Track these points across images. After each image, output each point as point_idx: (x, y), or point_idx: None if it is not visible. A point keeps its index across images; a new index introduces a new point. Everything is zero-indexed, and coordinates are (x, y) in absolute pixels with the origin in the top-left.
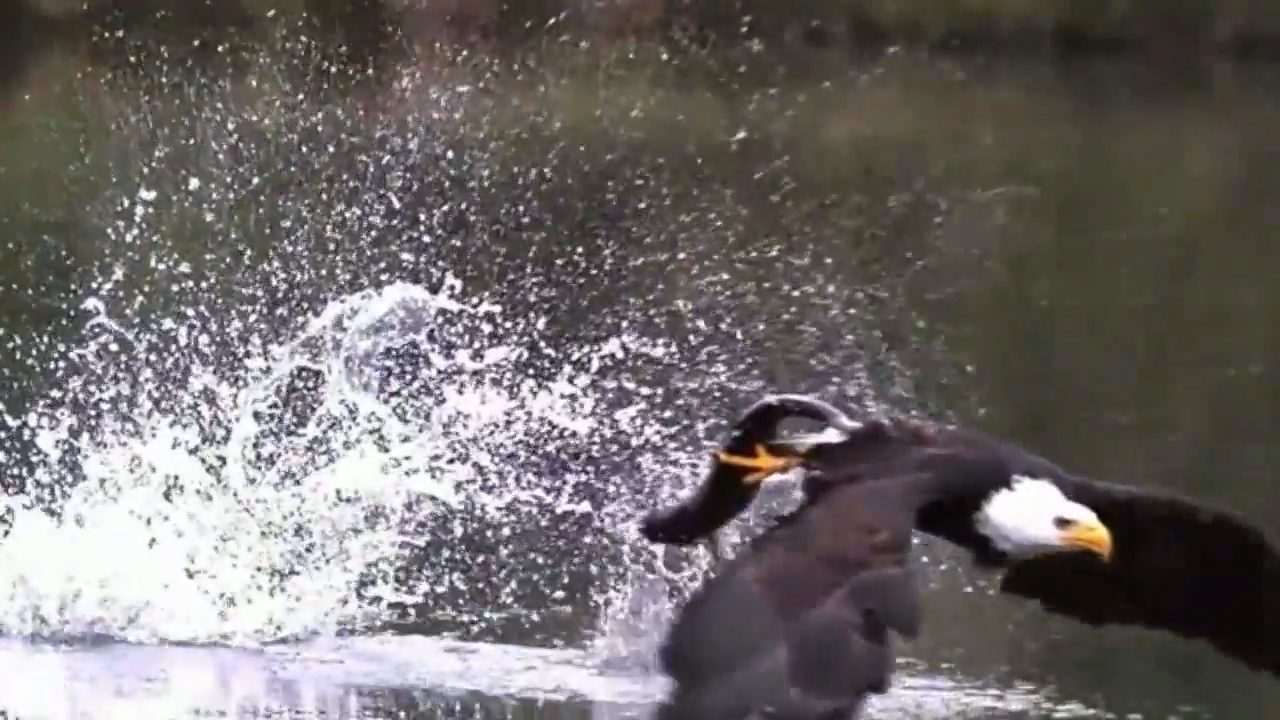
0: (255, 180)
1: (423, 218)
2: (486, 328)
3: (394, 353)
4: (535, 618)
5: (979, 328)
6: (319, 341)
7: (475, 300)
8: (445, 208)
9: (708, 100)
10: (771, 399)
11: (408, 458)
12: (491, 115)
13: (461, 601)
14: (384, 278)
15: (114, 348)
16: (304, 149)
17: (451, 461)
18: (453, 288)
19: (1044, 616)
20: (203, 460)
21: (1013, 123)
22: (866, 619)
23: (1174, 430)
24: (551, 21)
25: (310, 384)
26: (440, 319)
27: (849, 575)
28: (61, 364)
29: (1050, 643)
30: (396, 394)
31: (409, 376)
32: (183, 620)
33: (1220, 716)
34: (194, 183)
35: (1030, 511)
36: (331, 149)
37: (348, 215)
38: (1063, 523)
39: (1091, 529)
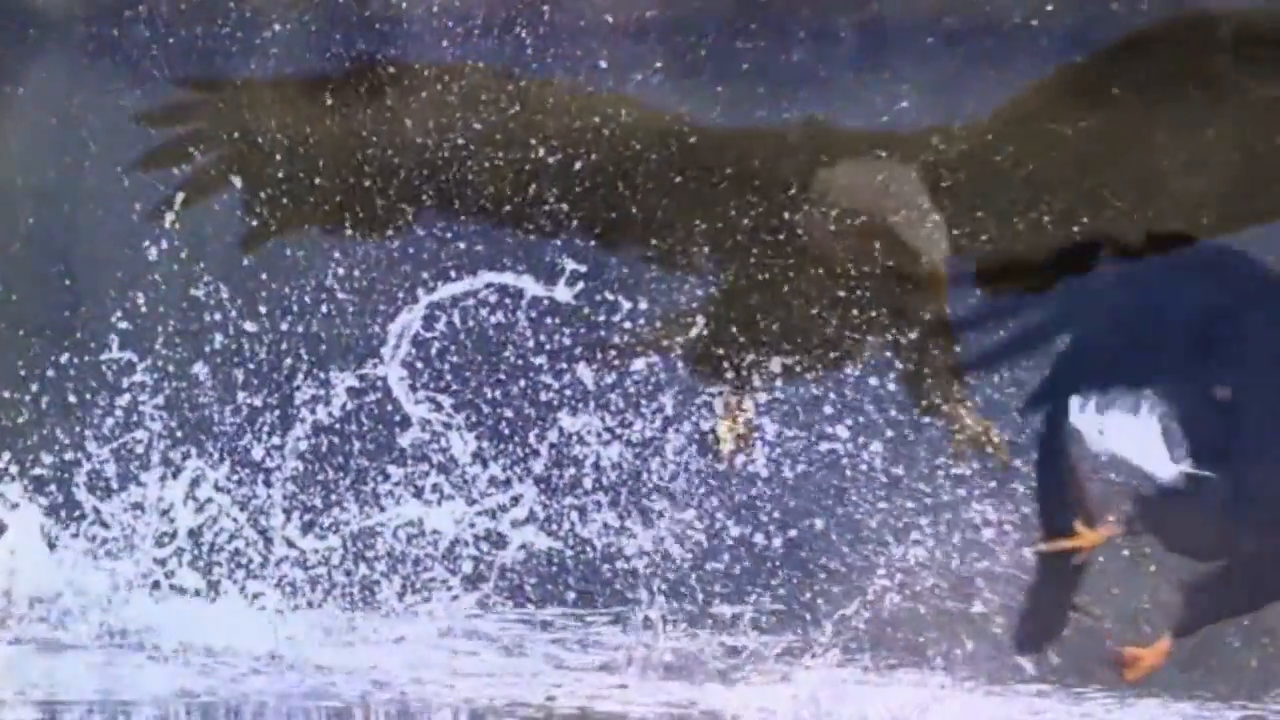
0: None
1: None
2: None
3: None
4: (560, 621)
5: None
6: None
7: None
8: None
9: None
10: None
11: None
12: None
13: (483, 605)
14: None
15: (127, 361)
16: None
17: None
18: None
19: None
20: (239, 486)
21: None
22: None
23: None
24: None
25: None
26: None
27: None
28: (72, 380)
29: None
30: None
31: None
32: (194, 631)
33: (1220, 702)
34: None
35: None
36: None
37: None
38: None
39: None
